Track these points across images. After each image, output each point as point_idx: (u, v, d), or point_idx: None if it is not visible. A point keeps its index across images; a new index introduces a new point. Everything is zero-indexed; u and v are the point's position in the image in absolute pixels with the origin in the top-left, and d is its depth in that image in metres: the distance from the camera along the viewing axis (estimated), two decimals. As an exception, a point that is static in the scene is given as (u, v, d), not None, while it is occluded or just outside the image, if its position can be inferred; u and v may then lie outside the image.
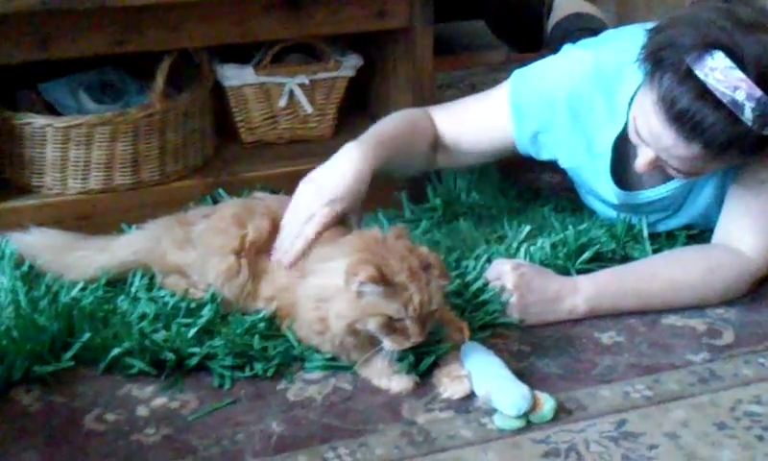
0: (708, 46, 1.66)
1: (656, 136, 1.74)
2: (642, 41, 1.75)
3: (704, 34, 1.67)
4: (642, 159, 1.80)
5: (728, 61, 1.65)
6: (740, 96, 1.65)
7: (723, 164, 1.80)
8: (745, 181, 1.87)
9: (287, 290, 1.71)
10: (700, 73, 1.66)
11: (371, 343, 1.62)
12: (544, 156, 2.00)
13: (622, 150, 1.93)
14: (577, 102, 1.92)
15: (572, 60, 1.97)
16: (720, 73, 1.65)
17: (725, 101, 1.65)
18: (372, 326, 1.58)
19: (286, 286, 1.71)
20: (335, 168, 1.81)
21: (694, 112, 1.67)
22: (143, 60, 2.14)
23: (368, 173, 1.81)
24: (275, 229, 1.78)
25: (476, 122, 2.01)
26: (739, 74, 1.65)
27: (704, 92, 1.66)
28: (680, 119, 1.68)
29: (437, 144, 2.01)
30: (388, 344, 1.59)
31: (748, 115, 1.66)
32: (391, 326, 1.58)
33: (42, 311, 1.72)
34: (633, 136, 1.81)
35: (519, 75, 1.99)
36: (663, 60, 1.70)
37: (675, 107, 1.68)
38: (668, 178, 1.93)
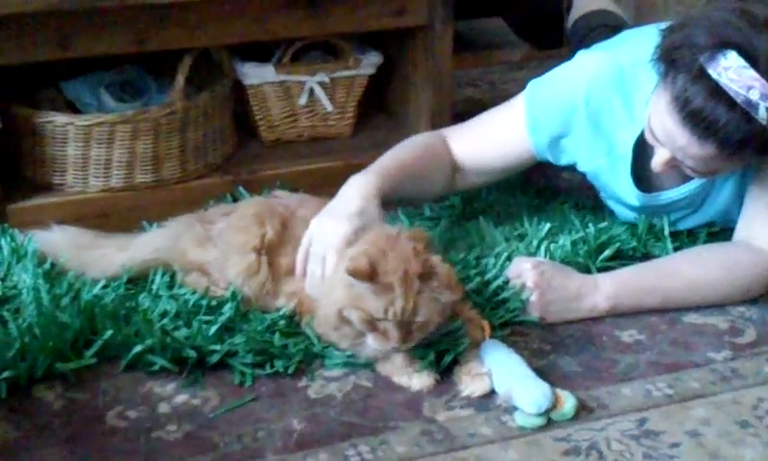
0: (722, 46, 1.65)
1: (670, 136, 1.74)
2: (657, 42, 1.75)
3: (717, 33, 1.66)
4: (658, 159, 1.80)
5: (741, 61, 1.64)
6: (754, 96, 1.64)
7: (739, 164, 1.79)
8: (764, 180, 1.86)
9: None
10: (713, 73, 1.65)
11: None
12: (564, 160, 1.99)
13: (642, 151, 1.92)
14: (595, 105, 1.91)
15: (588, 63, 1.96)
16: (734, 72, 1.64)
17: (738, 100, 1.64)
18: (354, 318, 1.59)
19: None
20: (341, 196, 1.80)
21: (708, 112, 1.66)
22: (163, 58, 2.15)
23: (375, 195, 1.78)
24: (286, 227, 1.78)
25: (494, 137, 1.99)
26: (753, 73, 1.64)
27: (717, 92, 1.65)
28: (693, 119, 1.68)
29: (455, 168, 2.00)
30: (369, 340, 1.60)
31: (762, 115, 1.65)
32: (373, 323, 1.58)
33: (64, 309, 1.73)
34: (648, 136, 1.80)
35: (535, 84, 1.98)
36: (677, 59, 1.69)
37: (688, 106, 1.67)
38: (688, 177, 1.92)
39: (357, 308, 1.59)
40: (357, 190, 1.78)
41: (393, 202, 1.88)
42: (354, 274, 1.56)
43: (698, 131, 1.68)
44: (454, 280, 1.61)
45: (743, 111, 1.65)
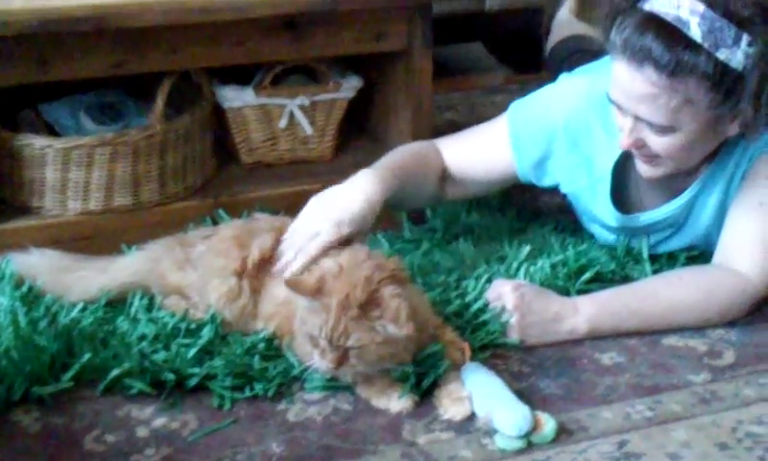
0: None
1: (618, 85, 1.76)
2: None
3: None
4: (623, 131, 1.80)
5: None
6: (683, 13, 1.68)
7: (696, 111, 1.74)
8: (744, 203, 1.87)
9: (286, 305, 1.71)
10: (646, 6, 1.71)
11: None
12: (546, 182, 2.00)
13: (622, 174, 1.94)
14: (575, 127, 1.93)
15: (568, 87, 1.99)
16: None
17: (669, 19, 1.68)
18: (301, 332, 1.61)
19: (286, 301, 1.71)
20: (347, 191, 1.82)
21: (639, 36, 1.70)
22: (143, 80, 2.15)
23: (379, 201, 1.81)
24: (276, 246, 1.78)
25: (480, 153, 2.02)
26: None
27: (648, 17, 1.70)
28: (628, 48, 1.71)
29: (445, 176, 2.02)
30: (315, 357, 1.60)
31: (695, 31, 1.68)
32: (314, 340, 1.59)
33: (42, 332, 1.72)
34: (615, 116, 1.81)
35: (517, 106, 2.00)
36: (616, 14, 1.74)
37: (622, 39, 1.72)
38: (668, 198, 1.93)
39: (304, 323, 1.60)
40: (363, 193, 1.80)
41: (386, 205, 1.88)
42: (290, 285, 1.59)
43: (634, 58, 1.71)
44: (404, 316, 1.57)
45: (674, 29, 1.68)
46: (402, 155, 1.98)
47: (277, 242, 1.78)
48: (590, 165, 1.94)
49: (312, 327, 1.59)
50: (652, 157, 1.82)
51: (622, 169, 1.93)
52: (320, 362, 1.60)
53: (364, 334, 1.57)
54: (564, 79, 2.03)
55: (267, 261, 1.77)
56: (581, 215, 2.08)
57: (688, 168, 1.88)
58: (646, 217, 1.96)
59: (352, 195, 1.81)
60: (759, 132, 1.81)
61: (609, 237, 2.04)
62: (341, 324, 1.56)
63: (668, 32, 1.69)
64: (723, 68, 1.70)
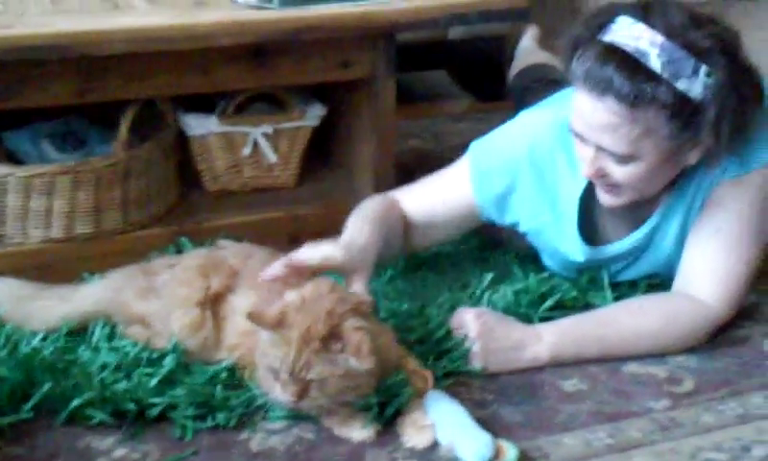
0: (613, 15, 1.75)
1: (580, 115, 1.78)
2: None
3: (607, 10, 1.77)
4: (584, 161, 1.82)
5: (630, 20, 1.74)
6: (643, 44, 1.71)
7: (656, 140, 1.76)
8: (703, 230, 1.89)
9: (249, 336, 1.71)
10: (606, 37, 1.74)
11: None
12: (507, 219, 2.00)
13: (587, 206, 1.95)
14: (539, 160, 1.93)
15: (530, 120, 1.99)
16: (623, 30, 1.73)
17: (629, 50, 1.71)
18: (262, 364, 1.61)
19: (248, 332, 1.71)
20: (350, 229, 1.84)
21: (599, 67, 1.72)
22: (107, 108, 2.14)
23: (374, 246, 1.82)
24: (238, 275, 1.78)
25: (440, 195, 2.00)
26: (642, 26, 1.72)
27: (610, 49, 1.73)
28: (589, 80, 1.73)
29: (408, 226, 2.00)
30: (276, 389, 1.60)
31: (655, 63, 1.70)
32: (275, 373, 1.59)
33: (2, 362, 1.70)
34: (576, 147, 1.83)
35: (478, 144, 2.00)
36: (577, 45, 1.77)
37: (584, 70, 1.74)
38: (631, 228, 1.95)
39: (265, 355, 1.60)
40: (364, 236, 1.81)
41: None
42: (252, 317, 1.59)
43: (595, 89, 1.72)
44: (366, 350, 1.57)
45: (634, 60, 1.70)
46: (371, 209, 1.94)
47: (240, 271, 1.78)
48: (555, 200, 1.95)
49: (273, 359, 1.58)
50: (613, 186, 1.84)
51: (587, 202, 1.94)
52: (281, 395, 1.59)
53: (325, 367, 1.57)
54: (525, 113, 2.03)
55: (229, 291, 1.77)
56: (542, 252, 2.07)
57: (650, 196, 1.90)
58: (612, 249, 1.98)
59: (350, 235, 1.81)
60: (720, 161, 1.83)
61: (570, 274, 2.04)
62: (302, 357, 1.56)
63: (629, 63, 1.71)
64: (682, 98, 1.72)
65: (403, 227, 1.99)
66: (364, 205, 1.97)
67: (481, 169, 1.97)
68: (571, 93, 1.81)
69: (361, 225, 1.85)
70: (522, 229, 2.01)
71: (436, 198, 2.01)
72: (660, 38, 1.71)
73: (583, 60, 1.74)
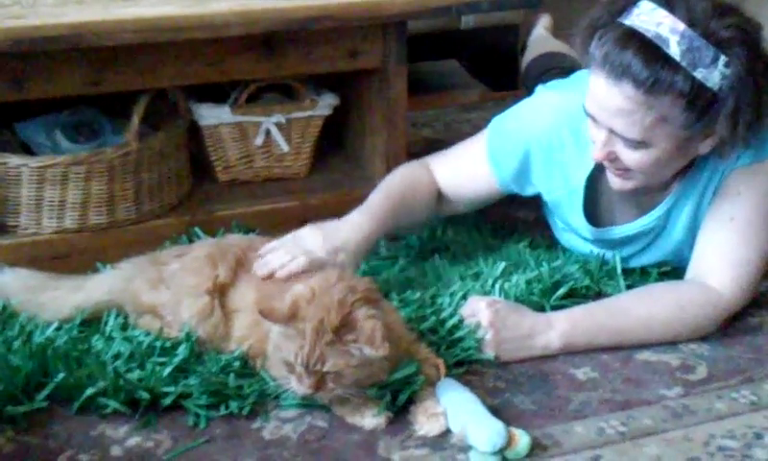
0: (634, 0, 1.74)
1: (595, 98, 1.77)
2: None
3: None
4: (596, 143, 1.82)
5: (652, 5, 1.72)
6: (663, 31, 1.69)
7: (670, 129, 1.75)
8: (716, 218, 1.89)
9: (256, 327, 1.72)
10: (626, 21, 1.73)
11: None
12: (530, 191, 2.03)
13: (595, 188, 1.96)
14: (547, 142, 1.95)
15: (541, 101, 2.02)
16: (645, 15, 1.72)
17: (649, 36, 1.70)
18: (275, 358, 1.62)
19: (257, 322, 1.71)
20: (345, 224, 1.90)
21: (618, 51, 1.71)
22: (119, 99, 2.15)
23: (373, 240, 1.91)
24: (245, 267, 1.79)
25: (465, 170, 2.05)
26: (663, 12, 1.71)
27: (629, 33, 1.71)
28: (607, 62, 1.72)
29: (439, 194, 2.06)
30: (292, 382, 1.60)
31: (674, 50, 1.69)
32: (290, 366, 1.59)
33: (16, 351, 1.71)
34: (589, 128, 1.83)
35: (495, 121, 2.03)
36: (596, 28, 1.76)
37: (602, 53, 1.73)
38: (640, 213, 1.95)
39: (278, 349, 1.61)
40: (360, 231, 1.89)
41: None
42: (264, 313, 1.60)
43: (613, 72, 1.72)
44: (379, 337, 1.57)
45: (654, 46, 1.69)
46: (395, 186, 2.02)
47: (246, 262, 1.80)
48: (566, 177, 1.97)
49: (287, 353, 1.58)
50: (623, 171, 1.84)
51: (595, 183, 1.95)
52: (297, 387, 1.59)
53: (340, 358, 1.57)
54: (540, 92, 2.05)
55: (236, 281, 1.78)
56: (556, 225, 2.09)
57: (659, 183, 1.89)
58: (619, 231, 1.98)
59: (349, 229, 1.88)
60: (736, 151, 1.82)
61: (584, 249, 2.06)
62: (316, 349, 1.56)
63: (648, 48, 1.70)
64: (699, 87, 1.71)
65: (433, 195, 2.05)
66: (392, 175, 2.05)
67: (495, 150, 2.00)
68: (583, 76, 1.81)
69: (365, 216, 1.92)
70: (544, 198, 2.03)
71: (463, 173, 2.05)
72: (681, 26, 1.70)
73: (602, 43, 1.74)
